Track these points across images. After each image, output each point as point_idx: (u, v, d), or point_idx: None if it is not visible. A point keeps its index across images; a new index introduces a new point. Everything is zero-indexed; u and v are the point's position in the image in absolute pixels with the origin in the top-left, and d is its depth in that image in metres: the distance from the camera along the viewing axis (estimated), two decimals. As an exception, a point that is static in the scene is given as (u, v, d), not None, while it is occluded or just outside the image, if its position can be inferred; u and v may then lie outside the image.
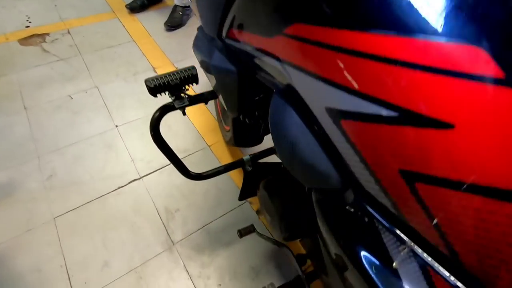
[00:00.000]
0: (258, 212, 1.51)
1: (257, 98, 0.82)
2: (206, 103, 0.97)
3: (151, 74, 2.16)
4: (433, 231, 0.30)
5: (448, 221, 0.29)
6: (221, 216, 1.48)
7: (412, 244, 0.34)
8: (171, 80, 0.79)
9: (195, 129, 1.84)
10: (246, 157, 1.09)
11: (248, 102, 0.81)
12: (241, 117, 0.93)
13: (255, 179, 1.18)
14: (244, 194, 1.27)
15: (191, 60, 2.25)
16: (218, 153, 1.73)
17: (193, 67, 0.84)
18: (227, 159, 1.70)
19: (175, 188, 1.56)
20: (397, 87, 0.29)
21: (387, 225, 0.36)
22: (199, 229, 1.43)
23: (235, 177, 1.63)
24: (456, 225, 0.28)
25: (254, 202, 1.54)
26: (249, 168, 1.10)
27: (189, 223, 1.45)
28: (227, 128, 1.66)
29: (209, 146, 1.76)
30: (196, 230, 1.43)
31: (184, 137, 1.80)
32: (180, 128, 1.84)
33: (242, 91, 0.76)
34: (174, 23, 2.51)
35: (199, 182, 1.59)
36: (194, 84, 0.87)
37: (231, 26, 0.58)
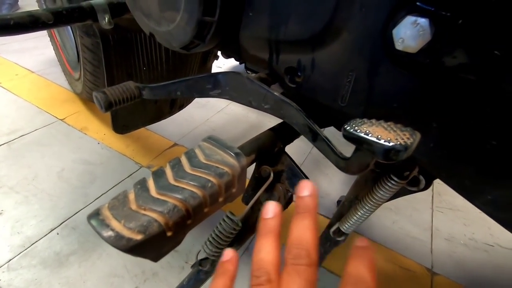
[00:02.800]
0: (166, 174, 0.90)
1: None
2: None
3: None
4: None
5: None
6: (97, 198, 0.80)
7: None
8: None
9: (32, 106, 1.13)
10: (97, 0, 0.54)
11: None
12: None
13: (129, 60, 0.63)
14: (123, 117, 0.68)
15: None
16: (81, 123, 1.07)
17: None
18: (97, 128, 1.05)
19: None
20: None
21: None
22: (52, 230, 0.71)
23: (112, 141, 1.00)
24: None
25: (157, 164, 0.93)
26: (107, 23, 0.55)
27: (29, 226, 0.72)
28: (75, 73, 1.05)
29: (61, 119, 1.08)
30: (45, 233, 0.71)
31: (10, 117, 1.06)
32: (1, 109, 1.09)
33: None
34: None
35: (41, 161, 0.88)
36: None
37: None
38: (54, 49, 1.27)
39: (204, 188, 0.26)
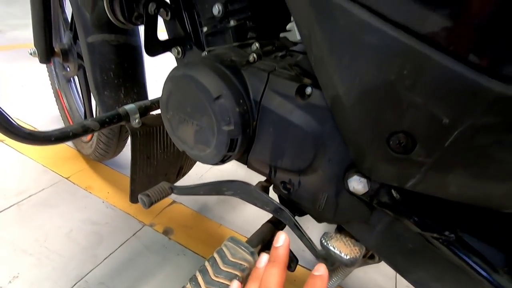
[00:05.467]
0: (167, 232, 1.01)
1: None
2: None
3: None
4: None
5: None
6: (106, 259, 0.89)
7: None
8: None
9: (37, 164, 1.22)
10: (129, 106, 0.70)
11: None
12: (108, 7, 0.57)
13: (149, 147, 0.78)
14: (138, 189, 0.81)
15: None
16: (85, 182, 1.17)
17: None
18: (100, 187, 1.15)
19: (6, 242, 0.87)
20: None
21: None
22: (66, 292, 0.79)
23: (115, 200, 1.10)
24: None
25: (158, 222, 1.04)
26: (137, 123, 0.70)
27: (44, 289, 0.79)
28: (88, 137, 1.17)
29: (66, 178, 1.17)
30: (60, 295, 0.78)
31: (16, 176, 1.14)
32: (7, 168, 1.17)
33: None
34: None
35: (50, 222, 0.97)
36: None
37: None
38: (59, 109, 1.39)
39: (233, 281, 0.40)
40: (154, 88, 0.97)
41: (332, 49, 0.32)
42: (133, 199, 0.82)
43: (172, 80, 0.49)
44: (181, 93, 0.49)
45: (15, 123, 0.54)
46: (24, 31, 2.77)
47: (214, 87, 0.45)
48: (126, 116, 0.69)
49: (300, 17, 0.35)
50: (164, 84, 0.51)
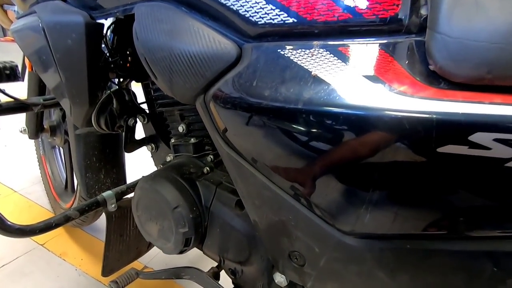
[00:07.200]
0: (136, 300, 1.07)
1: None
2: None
3: None
4: None
5: None
6: (75, 330, 0.94)
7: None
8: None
9: (14, 230, 1.27)
10: (107, 193, 0.82)
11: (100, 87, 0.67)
12: (95, 121, 0.72)
13: (123, 226, 0.88)
14: (111, 264, 0.90)
15: None
16: (60, 248, 1.22)
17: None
18: (75, 253, 1.21)
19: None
20: None
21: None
22: None
23: (88, 267, 1.15)
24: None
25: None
26: (113, 207, 0.82)
27: None
28: (61, 202, 1.25)
29: (42, 244, 1.22)
30: None
31: (-7, 244, 1.18)
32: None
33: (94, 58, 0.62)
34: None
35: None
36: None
37: None
38: (41, 174, 1.47)
39: None
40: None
41: (246, 194, 0.47)
42: (105, 273, 0.90)
43: (142, 189, 0.63)
44: (148, 200, 0.62)
45: (7, 221, 0.65)
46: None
47: (173, 199, 0.58)
48: (104, 202, 0.80)
49: (225, 163, 0.50)
50: (135, 190, 0.65)
